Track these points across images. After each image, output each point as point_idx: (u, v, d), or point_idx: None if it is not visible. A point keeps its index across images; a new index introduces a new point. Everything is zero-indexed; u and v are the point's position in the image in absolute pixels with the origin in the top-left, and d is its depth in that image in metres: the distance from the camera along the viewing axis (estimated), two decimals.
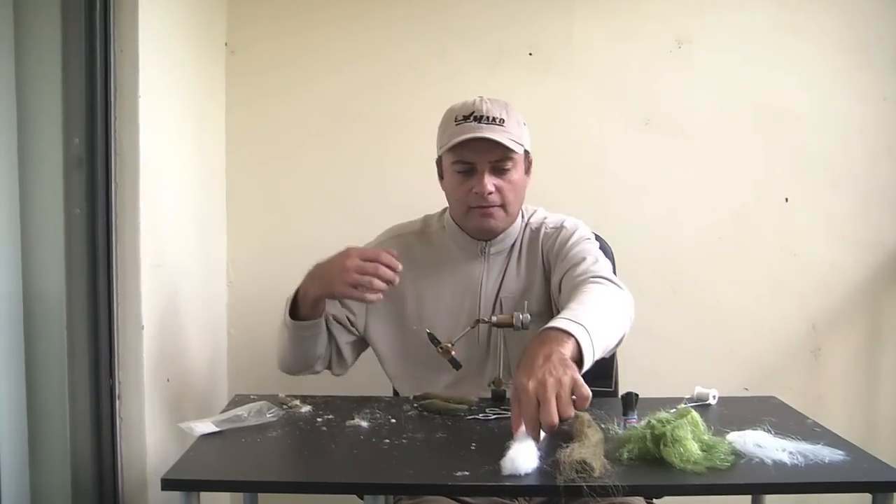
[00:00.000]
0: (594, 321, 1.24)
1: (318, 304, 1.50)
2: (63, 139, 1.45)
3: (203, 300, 1.94)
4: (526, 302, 1.54)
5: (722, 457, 1.13)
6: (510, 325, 1.46)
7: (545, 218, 1.64)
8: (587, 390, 1.12)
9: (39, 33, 1.44)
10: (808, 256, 2.12)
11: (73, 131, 1.44)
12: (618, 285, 1.42)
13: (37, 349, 1.46)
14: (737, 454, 1.16)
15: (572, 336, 1.19)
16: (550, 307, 1.57)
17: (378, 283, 1.39)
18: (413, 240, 1.64)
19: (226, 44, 2.07)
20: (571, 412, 1.12)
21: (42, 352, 1.47)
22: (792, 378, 2.12)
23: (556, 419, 1.09)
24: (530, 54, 2.08)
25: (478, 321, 1.49)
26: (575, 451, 1.10)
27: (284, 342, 1.55)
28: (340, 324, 1.59)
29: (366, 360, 2.01)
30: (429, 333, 1.48)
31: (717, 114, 2.09)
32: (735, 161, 2.10)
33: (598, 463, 1.09)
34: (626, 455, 1.15)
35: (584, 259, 1.51)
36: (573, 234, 1.58)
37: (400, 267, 1.40)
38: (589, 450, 1.12)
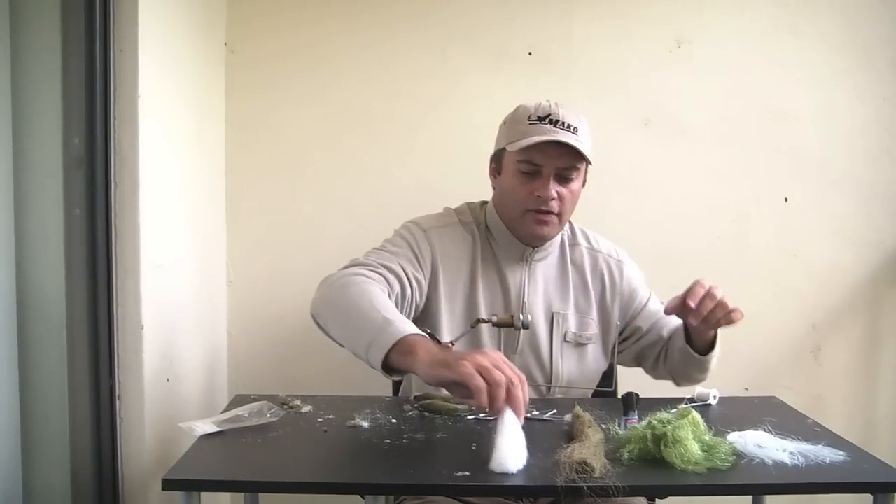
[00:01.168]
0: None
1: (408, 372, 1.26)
2: (63, 139, 1.45)
3: (203, 300, 1.94)
4: (571, 315, 1.59)
5: (723, 457, 1.13)
6: (510, 326, 1.46)
7: (588, 235, 1.66)
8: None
9: (39, 33, 1.44)
10: (808, 256, 2.12)
11: (73, 131, 1.44)
12: None
13: (37, 349, 1.46)
14: (737, 454, 1.16)
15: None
16: (606, 330, 1.61)
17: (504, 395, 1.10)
18: (461, 233, 1.58)
19: (225, 43, 2.06)
20: (722, 317, 1.41)
21: (42, 352, 1.47)
22: (792, 378, 2.12)
23: (717, 299, 1.39)
24: (530, 54, 2.08)
25: (478, 321, 1.48)
26: (575, 452, 1.11)
27: (344, 334, 1.31)
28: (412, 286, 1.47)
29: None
30: (428, 333, 1.47)
31: (717, 114, 2.09)
32: (735, 161, 2.10)
33: (598, 463, 1.09)
34: (626, 455, 1.15)
35: (649, 298, 1.66)
36: (633, 271, 1.66)
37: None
38: (589, 450, 1.12)
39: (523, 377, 1.13)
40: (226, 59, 2.07)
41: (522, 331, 1.53)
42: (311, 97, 2.08)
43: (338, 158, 2.09)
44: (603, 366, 1.63)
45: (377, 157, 2.09)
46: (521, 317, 1.44)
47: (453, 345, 1.46)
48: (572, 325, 1.58)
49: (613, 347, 1.59)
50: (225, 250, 2.11)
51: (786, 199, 2.11)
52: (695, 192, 2.10)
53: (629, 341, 1.64)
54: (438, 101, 2.07)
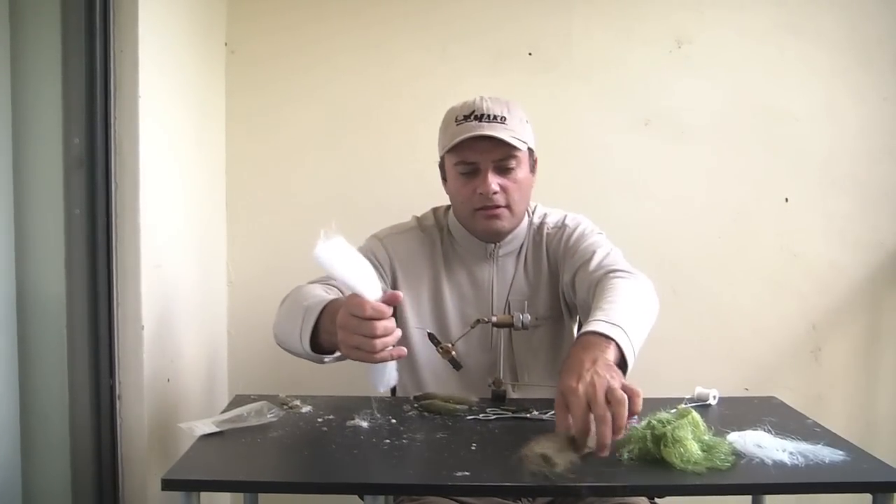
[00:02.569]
0: (629, 320, 1.24)
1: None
2: (63, 139, 1.45)
3: (203, 300, 1.94)
4: (526, 303, 1.54)
5: (722, 457, 1.13)
6: (510, 325, 1.46)
7: (545, 215, 1.63)
8: (638, 389, 1.10)
9: (39, 33, 1.44)
10: (808, 256, 2.12)
11: (73, 131, 1.44)
12: (635, 275, 1.41)
13: (37, 349, 1.46)
14: (737, 454, 1.16)
15: (612, 340, 1.18)
16: (559, 308, 1.58)
17: (378, 345, 1.16)
18: (420, 237, 1.61)
19: (225, 43, 2.07)
20: (625, 417, 1.06)
21: (42, 352, 1.47)
22: (792, 378, 2.12)
23: (609, 417, 1.05)
24: (530, 54, 2.08)
25: (477, 321, 1.49)
26: (539, 445, 1.09)
27: (292, 343, 1.35)
28: None
29: None
30: (429, 333, 1.48)
31: (717, 114, 2.09)
32: (735, 161, 2.10)
33: (563, 459, 1.07)
34: (626, 455, 1.15)
35: (594, 253, 1.49)
36: (576, 230, 1.57)
37: (389, 313, 1.17)
38: (555, 445, 1.10)
39: (380, 316, 1.15)
40: (226, 59, 2.07)
41: (494, 329, 1.53)
42: (312, 97, 2.08)
43: (338, 158, 2.09)
44: (561, 346, 1.58)
45: (377, 157, 2.09)
46: (521, 316, 1.45)
47: (453, 346, 1.46)
48: (528, 310, 1.55)
49: (575, 321, 1.59)
50: (225, 250, 2.11)
51: (786, 200, 2.11)
52: (695, 192, 2.10)
53: (574, 302, 1.55)
54: (439, 100, 2.05)
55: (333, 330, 1.21)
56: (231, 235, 2.11)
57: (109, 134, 1.47)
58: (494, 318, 1.47)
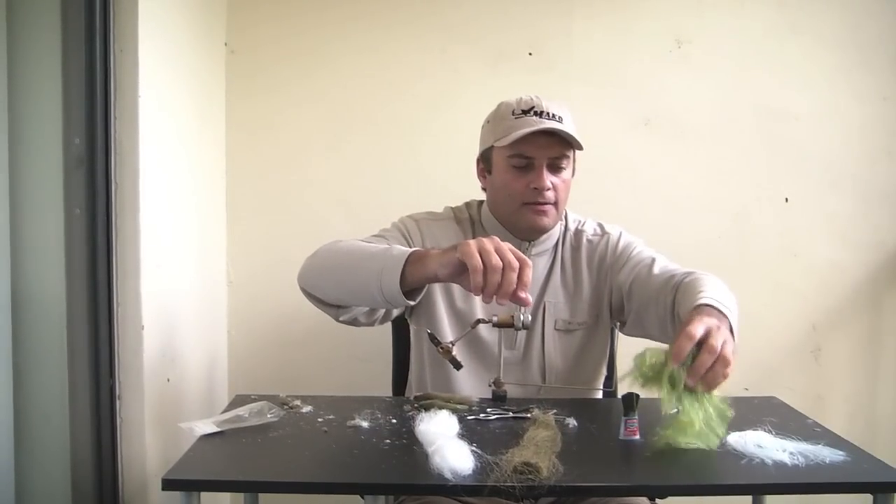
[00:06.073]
0: (731, 308, 1.32)
1: (424, 286, 1.33)
2: (63, 139, 1.45)
3: (203, 300, 1.94)
4: (560, 305, 1.55)
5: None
6: (510, 326, 1.46)
7: (580, 222, 1.63)
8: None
9: (39, 33, 1.44)
10: (808, 256, 2.12)
11: (73, 131, 1.44)
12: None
13: (36, 349, 1.46)
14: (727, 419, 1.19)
15: (726, 318, 1.26)
16: (595, 315, 1.57)
17: (507, 285, 1.15)
18: (455, 229, 1.59)
19: (225, 43, 2.07)
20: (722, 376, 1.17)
21: (42, 352, 1.47)
22: (792, 378, 2.13)
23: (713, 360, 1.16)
24: (530, 54, 2.08)
25: (478, 321, 1.48)
26: (518, 454, 1.10)
27: (348, 282, 1.35)
28: None
29: (366, 360, 2.03)
30: (429, 333, 1.48)
31: (717, 114, 2.09)
32: (735, 161, 2.10)
33: (544, 462, 1.08)
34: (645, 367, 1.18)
35: (654, 259, 1.53)
36: (620, 237, 1.60)
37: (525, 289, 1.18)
38: (530, 450, 1.11)
39: (528, 262, 1.18)
40: (226, 58, 2.07)
41: (521, 331, 1.52)
42: (312, 97, 2.08)
43: (338, 158, 2.09)
44: (600, 353, 1.59)
45: (378, 156, 2.09)
46: (521, 316, 1.44)
47: (453, 345, 1.46)
48: (563, 313, 1.56)
49: (612, 330, 1.59)
50: (225, 250, 2.11)
51: (786, 200, 2.12)
52: (695, 191, 2.10)
53: (627, 307, 1.55)
54: (439, 101, 2.07)
55: (417, 259, 1.25)
56: (231, 235, 2.11)
57: (109, 134, 1.47)
58: (495, 318, 1.46)
